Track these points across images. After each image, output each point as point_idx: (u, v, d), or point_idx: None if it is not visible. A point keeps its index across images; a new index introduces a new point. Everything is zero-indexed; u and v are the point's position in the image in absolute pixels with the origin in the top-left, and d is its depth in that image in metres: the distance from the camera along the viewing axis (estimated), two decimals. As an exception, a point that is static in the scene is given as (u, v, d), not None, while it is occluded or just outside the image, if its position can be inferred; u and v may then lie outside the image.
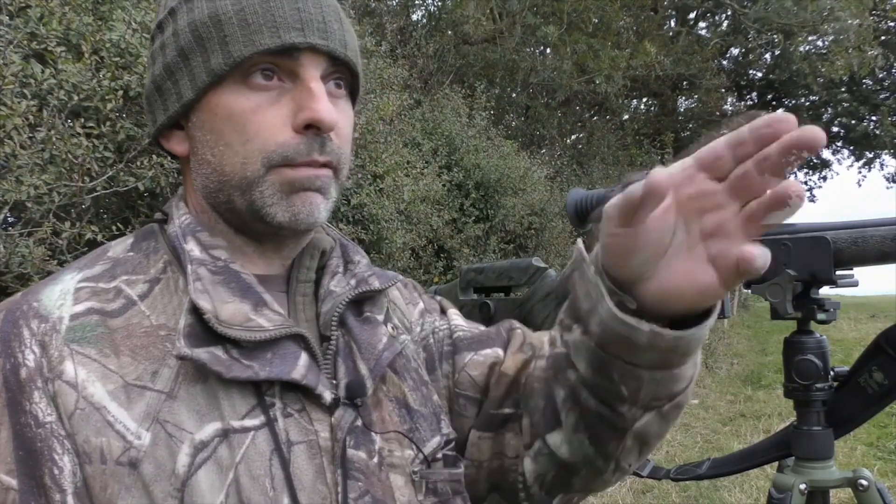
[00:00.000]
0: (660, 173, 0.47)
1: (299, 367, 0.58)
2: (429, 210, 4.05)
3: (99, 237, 2.05)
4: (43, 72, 1.99)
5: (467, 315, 0.97)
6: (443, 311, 0.80)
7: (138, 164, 2.19)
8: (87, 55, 2.07)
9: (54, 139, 1.93)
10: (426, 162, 4.44)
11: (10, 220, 2.05)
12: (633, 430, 0.61)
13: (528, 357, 0.73)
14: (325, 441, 0.58)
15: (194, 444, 0.53)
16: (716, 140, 0.48)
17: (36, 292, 0.58)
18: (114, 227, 2.18)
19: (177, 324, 0.57)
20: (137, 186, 2.18)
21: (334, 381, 0.62)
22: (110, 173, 2.13)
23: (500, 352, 0.75)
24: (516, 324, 0.79)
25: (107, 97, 2.10)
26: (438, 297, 0.84)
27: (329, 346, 0.63)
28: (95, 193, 2.11)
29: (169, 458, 0.52)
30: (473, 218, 4.80)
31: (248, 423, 0.55)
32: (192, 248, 0.60)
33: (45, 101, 1.98)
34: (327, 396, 0.59)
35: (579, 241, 0.59)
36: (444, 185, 4.39)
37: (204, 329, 0.56)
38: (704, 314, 0.54)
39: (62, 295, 0.57)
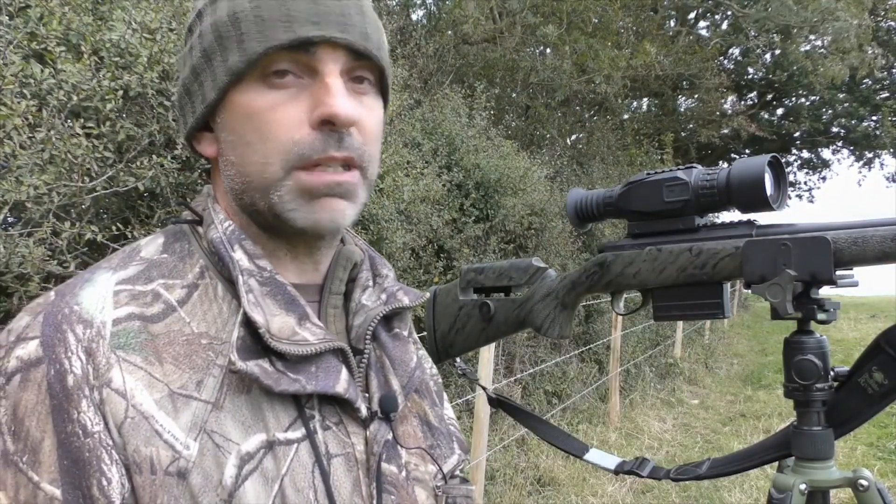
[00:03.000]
0: None
1: (342, 380, 0.59)
2: (429, 210, 4.05)
3: (99, 237, 2.05)
4: (43, 72, 1.99)
5: (467, 315, 0.97)
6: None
7: (138, 164, 2.19)
8: (86, 55, 2.07)
9: (54, 139, 1.93)
10: (426, 162, 4.44)
11: (10, 220, 2.05)
12: None
13: None
14: (360, 454, 0.60)
15: (241, 456, 0.53)
16: None
17: (73, 294, 0.55)
18: (114, 227, 2.18)
19: (218, 332, 0.57)
20: (137, 186, 2.18)
21: (366, 395, 0.63)
22: (110, 173, 2.13)
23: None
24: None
25: (107, 97, 2.10)
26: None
27: (362, 359, 0.64)
28: (95, 193, 2.11)
29: (216, 468, 0.52)
30: (473, 218, 4.80)
31: (291, 435, 0.56)
32: (241, 258, 0.60)
33: (44, 101, 1.98)
34: (364, 410, 0.60)
35: None
36: (444, 185, 4.39)
37: (254, 342, 0.56)
38: None
39: (101, 298, 0.55)
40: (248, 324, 0.56)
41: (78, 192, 2.03)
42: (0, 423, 0.50)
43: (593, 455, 0.94)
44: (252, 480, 0.53)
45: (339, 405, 0.60)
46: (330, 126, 0.58)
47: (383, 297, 0.68)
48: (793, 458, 0.77)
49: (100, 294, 0.55)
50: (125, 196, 2.35)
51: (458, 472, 0.71)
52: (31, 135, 1.90)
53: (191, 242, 0.63)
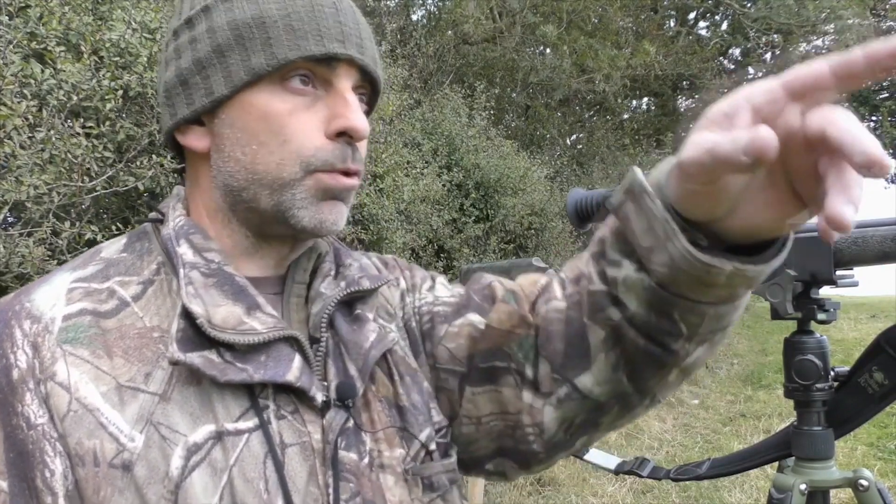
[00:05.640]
0: (765, 135, 0.39)
1: (293, 369, 0.58)
2: (429, 210, 4.05)
3: (99, 237, 2.05)
4: (43, 72, 1.99)
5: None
6: (432, 281, 0.79)
7: (138, 163, 2.19)
8: (86, 55, 2.07)
9: (54, 139, 1.93)
10: (426, 162, 4.44)
11: (10, 220, 2.05)
12: (682, 364, 0.59)
13: (512, 308, 0.69)
14: (317, 443, 0.59)
15: (188, 447, 0.53)
16: (812, 67, 0.41)
17: (29, 292, 0.58)
18: (114, 227, 2.18)
19: (170, 326, 0.57)
20: (137, 186, 2.18)
21: (325, 383, 0.62)
22: (110, 173, 2.13)
23: (474, 317, 0.71)
24: (488, 277, 0.76)
25: (106, 97, 2.10)
26: (429, 272, 0.83)
27: (319, 347, 0.64)
28: (95, 193, 2.11)
29: (162, 460, 0.52)
30: (473, 218, 4.80)
31: (242, 425, 0.56)
32: (185, 252, 0.60)
33: (44, 101, 1.98)
34: (319, 398, 0.60)
35: (636, 169, 0.53)
36: (444, 185, 4.39)
37: (197, 333, 0.56)
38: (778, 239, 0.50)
39: (54, 295, 0.57)
40: (189, 315, 0.57)
41: (78, 191, 2.03)
42: None
43: (593, 455, 0.94)
44: (199, 471, 0.53)
45: (294, 394, 0.60)
46: (346, 138, 0.61)
47: (342, 284, 0.68)
48: (793, 458, 0.77)
49: (54, 291, 0.58)
50: (125, 196, 2.35)
51: (439, 441, 0.67)
52: (31, 135, 1.89)
53: (151, 241, 0.65)
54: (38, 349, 0.53)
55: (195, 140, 0.64)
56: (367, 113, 0.70)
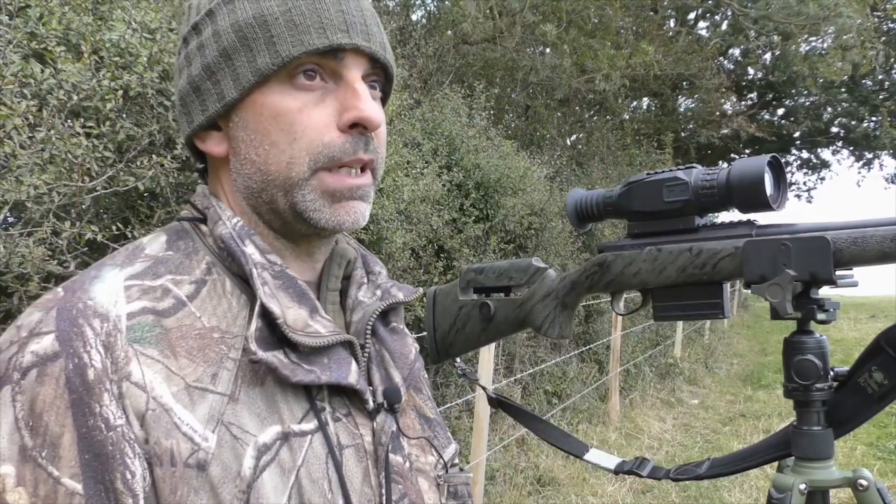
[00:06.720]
0: None
1: (353, 372, 0.60)
2: (429, 210, 4.05)
3: (99, 237, 2.06)
4: (43, 71, 1.99)
5: (467, 315, 0.97)
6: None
7: (138, 163, 2.19)
8: (86, 55, 2.07)
9: (54, 139, 1.93)
10: (426, 162, 4.44)
11: (10, 220, 2.05)
12: None
13: None
14: (368, 445, 0.61)
15: (258, 447, 0.54)
16: None
17: (84, 290, 0.55)
18: (114, 227, 2.18)
19: (229, 326, 0.58)
20: (137, 186, 2.19)
21: (371, 388, 0.65)
22: (110, 173, 2.13)
23: None
24: None
25: (106, 97, 2.10)
26: None
27: (364, 353, 0.66)
28: (95, 193, 2.11)
29: (234, 460, 0.53)
30: (473, 218, 4.80)
31: (305, 426, 0.57)
32: (253, 252, 0.61)
33: (44, 101, 1.98)
34: (372, 402, 0.62)
35: None
36: (444, 185, 4.39)
37: (269, 333, 0.57)
38: None
39: (113, 292, 0.55)
40: (264, 315, 0.57)
41: (78, 191, 2.03)
42: (17, 419, 0.49)
43: (593, 455, 0.94)
44: (269, 472, 0.54)
45: (347, 397, 0.61)
46: (360, 129, 0.61)
47: (378, 293, 0.70)
48: (793, 458, 0.77)
49: (111, 289, 0.56)
50: (125, 196, 2.36)
51: (455, 461, 0.73)
52: (31, 135, 1.89)
53: (194, 240, 0.64)
54: (110, 349, 0.52)
55: (214, 145, 0.64)
56: (384, 100, 0.69)
